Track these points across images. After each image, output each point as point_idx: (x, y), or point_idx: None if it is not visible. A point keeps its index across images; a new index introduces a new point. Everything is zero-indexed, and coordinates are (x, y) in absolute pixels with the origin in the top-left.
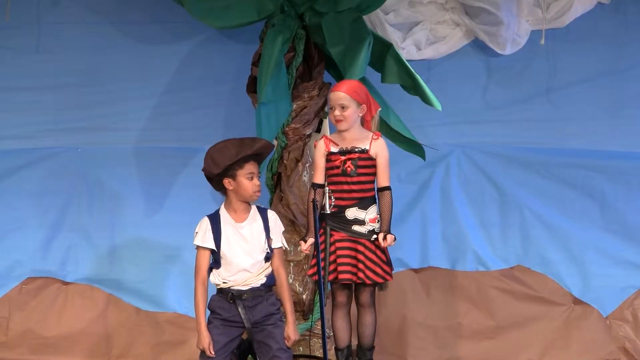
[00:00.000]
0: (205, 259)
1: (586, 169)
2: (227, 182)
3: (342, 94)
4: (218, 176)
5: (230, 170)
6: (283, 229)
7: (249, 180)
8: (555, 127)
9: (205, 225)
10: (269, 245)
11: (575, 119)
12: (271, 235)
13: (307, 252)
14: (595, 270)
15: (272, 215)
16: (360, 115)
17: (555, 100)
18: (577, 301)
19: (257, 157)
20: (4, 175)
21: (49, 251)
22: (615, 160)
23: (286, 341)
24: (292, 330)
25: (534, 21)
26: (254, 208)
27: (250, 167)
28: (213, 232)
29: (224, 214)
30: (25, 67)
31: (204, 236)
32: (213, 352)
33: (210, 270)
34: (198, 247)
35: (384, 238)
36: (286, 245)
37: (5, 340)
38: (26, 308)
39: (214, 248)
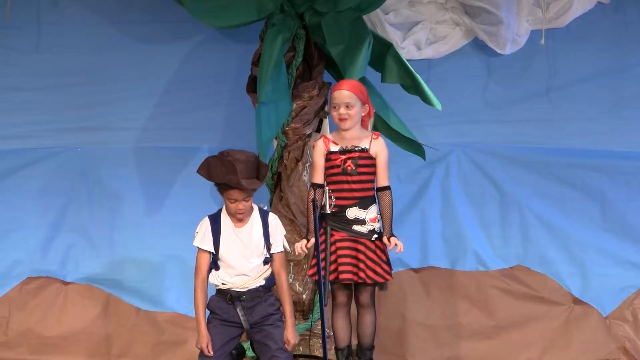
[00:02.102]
0: (205, 259)
1: (586, 169)
2: (219, 192)
3: (348, 93)
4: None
5: (217, 186)
6: (284, 232)
7: (230, 202)
8: (555, 127)
9: (205, 226)
10: (269, 250)
11: (575, 118)
12: (271, 241)
13: (302, 252)
14: (595, 270)
15: (272, 219)
16: (363, 114)
17: (555, 100)
18: (577, 301)
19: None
20: (4, 175)
21: (49, 251)
22: (615, 160)
23: (286, 345)
24: (291, 333)
25: (534, 21)
26: (255, 211)
27: (233, 193)
28: (212, 234)
29: (224, 216)
30: (25, 67)
31: (203, 237)
32: (211, 352)
33: (210, 270)
34: (198, 248)
35: (388, 240)
36: (288, 248)
37: (5, 340)
38: (26, 308)
39: (212, 251)
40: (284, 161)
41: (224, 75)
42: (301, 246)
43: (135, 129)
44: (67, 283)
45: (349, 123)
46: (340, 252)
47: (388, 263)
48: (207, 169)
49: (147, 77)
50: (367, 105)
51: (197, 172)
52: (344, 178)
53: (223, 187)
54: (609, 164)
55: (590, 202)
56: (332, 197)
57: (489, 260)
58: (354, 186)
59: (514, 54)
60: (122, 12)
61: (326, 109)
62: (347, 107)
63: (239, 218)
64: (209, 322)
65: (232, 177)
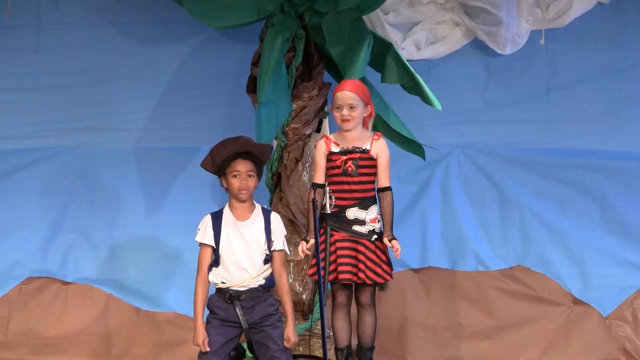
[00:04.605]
0: (207, 255)
1: (586, 169)
2: (223, 181)
3: (351, 94)
4: (216, 174)
5: (223, 169)
6: (285, 232)
7: (233, 177)
8: (555, 127)
9: (206, 222)
10: (269, 247)
11: (575, 119)
12: (272, 238)
13: (306, 253)
14: (595, 271)
15: (274, 217)
16: (364, 115)
17: (555, 100)
18: (577, 301)
19: (248, 156)
20: (4, 175)
21: (49, 251)
22: (615, 160)
23: (286, 343)
24: (292, 331)
25: (534, 21)
26: (257, 208)
27: (236, 165)
28: (213, 230)
29: (226, 212)
30: (25, 67)
31: (204, 232)
32: (208, 348)
33: (210, 268)
34: (200, 244)
35: (390, 242)
36: (287, 249)
37: (5, 340)
38: (26, 308)
39: (213, 245)
40: (284, 161)
41: (223, 76)
42: (302, 249)
43: (135, 130)
44: (67, 283)
45: (351, 124)
46: (339, 252)
47: (388, 263)
48: (210, 156)
49: (147, 77)
50: (369, 106)
51: (201, 164)
52: (344, 179)
53: (227, 164)
54: (609, 165)
55: (590, 203)
56: (333, 197)
57: (489, 260)
58: (354, 187)
59: (514, 55)
60: (122, 13)
61: (327, 109)
62: (351, 108)
63: (242, 197)
64: (208, 322)
65: (236, 141)
